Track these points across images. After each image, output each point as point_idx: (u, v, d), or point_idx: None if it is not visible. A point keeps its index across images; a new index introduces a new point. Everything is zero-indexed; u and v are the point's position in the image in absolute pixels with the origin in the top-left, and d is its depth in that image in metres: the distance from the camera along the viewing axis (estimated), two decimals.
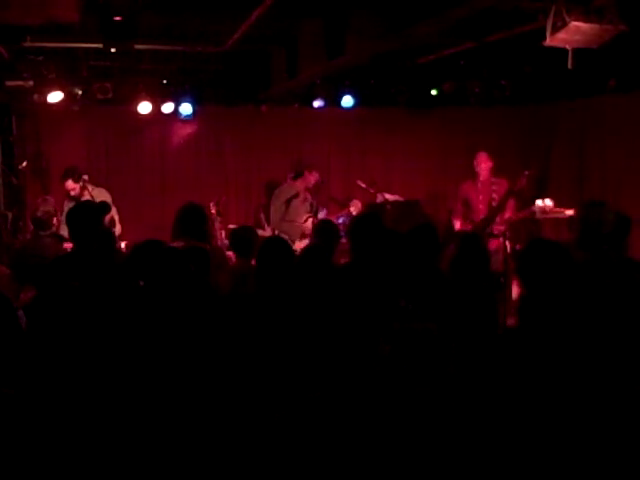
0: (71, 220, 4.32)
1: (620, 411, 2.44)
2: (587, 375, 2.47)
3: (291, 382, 3.01)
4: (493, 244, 6.85)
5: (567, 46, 4.80)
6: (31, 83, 7.54)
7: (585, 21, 4.50)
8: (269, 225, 7.88)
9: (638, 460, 2.36)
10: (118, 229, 7.13)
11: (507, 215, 7.08)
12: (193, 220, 4.96)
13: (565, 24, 4.48)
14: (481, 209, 7.31)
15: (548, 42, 4.67)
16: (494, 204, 7.07)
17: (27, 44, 6.54)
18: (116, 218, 7.23)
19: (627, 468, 2.36)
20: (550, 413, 2.43)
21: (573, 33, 4.55)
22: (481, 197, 7.35)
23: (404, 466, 2.49)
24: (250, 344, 3.23)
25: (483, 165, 7.38)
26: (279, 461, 2.72)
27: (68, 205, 7.04)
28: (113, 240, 4.33)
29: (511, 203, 7.26)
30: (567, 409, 2.43)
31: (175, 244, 4.70)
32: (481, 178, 7.38)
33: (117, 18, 5.46)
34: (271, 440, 2.80)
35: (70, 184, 7.22)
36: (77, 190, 7.21)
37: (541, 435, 2.41)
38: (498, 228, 6.94)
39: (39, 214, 5.90)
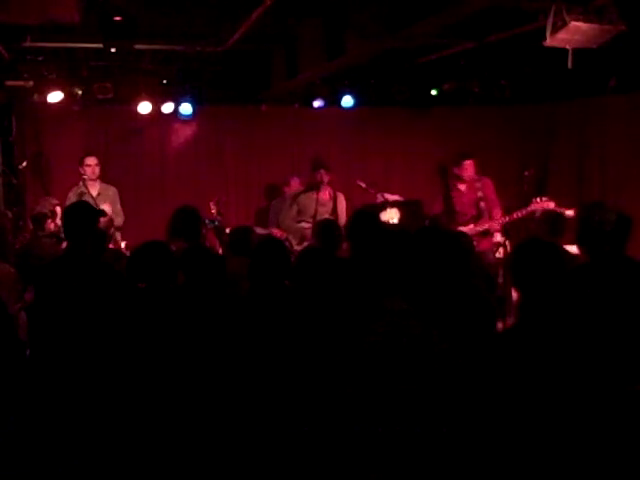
0: (68, 219, 4.29)
1: (617, 411, 2.44)
2: (584, 375, 2.47)
3: (283, 382, 3.01)
4: (486, 243, 6.83)
5: (567, 46, 4.80)
6: (31, 83, 7.54)
7: (585, 21, 4.50)
8: (271, 226, 7.91)
9: (634, 460, 2.36)
10: (119, 221, 7.14)
11: (496, 214, 7.02)
12: (188, 222, 4.99)
13: (565, 24, 4.49)
14: (467, 211, 7.23)
15: (548, 42, 4.67)
16: (482, 204, 6.99)
17: (27, 44, 6.56)
18: (119, 208, 7.27)
19: (622, 467, 2.36)
20: (547, 414, 2.43)
21: (573, 33, 4.56)
22: (465, 199, 7.27)
23: (401, 465, 2.49)
24: (243, 344, 3.23)
25: (470, 172, 7.22)
26: (276, 459, 2.72)
27: (75, 193, 7.06)
28: (104, 242, 4.34)
29: (496, 201, 7.18)
30: (565, 410, 2.43)
31: (173, 245, 4.72)
32: (466, 180, 7.25)
33: (117, 18, 5.47)
34: (266, 439, 2.80)
35: (95, 159, 7.21)
36: (97, 171, 7.21)
37: (539, 436, 2.41)
38: (493, 226, 6.89)
39: (34, 213, 5.95)
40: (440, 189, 7.50)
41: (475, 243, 6.76)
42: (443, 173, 8.60)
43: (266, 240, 4.80)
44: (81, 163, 7.23)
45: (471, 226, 7.00)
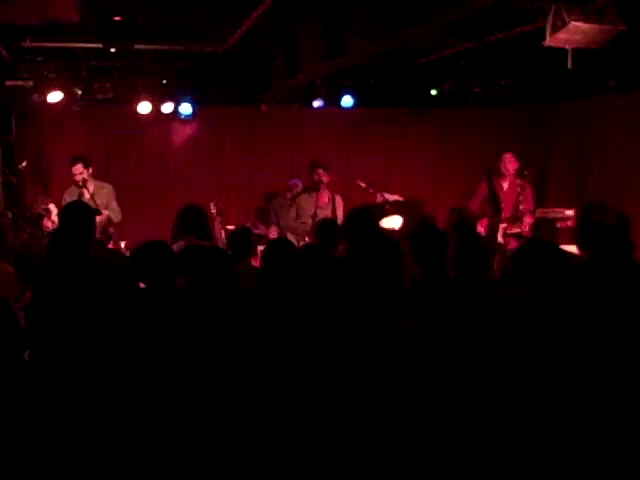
0: (65, 218, 4.27)
1: (617, 412, 2.44)
2: (584, 375, 2.47)
3: (286, 383, 3.01)
4: (514, 243, 6.85)
5: (567, 46, 4.80)
6: (31, 83, 7.54)
7: (585, 21, 4.51)
8: (273, 226, 7.90)
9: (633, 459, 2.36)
10: (117, 217, 7.09)
11: (527, 217, 7.07)
12: (195, 219, 4.98)
13: (565, 24, 4.49)
14: (504, 207, 7.27)
15: (548, 42, 4.68)
16: (521, 206, 7.03)
17: (27, 44, 6.55)
18: (115, 204, 7.19)
19: (622, 466, 2.36)
20: (548, 416, 2.43)
21: (573, 33, 4.56)
22: (506, 197, 7.32)
23: (404, 468, 2.49)
24: (250, 344, 3.23)
25: (510, 166, 7.32)
26: (279, 461, 2.72)
27: (71, 194, 7.00)
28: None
29: (531, 207, 7.21)
30: (566, 410, 2.43)
31: (177, 244, 4.72)
32: (508, 178, 7.34)
33: (117, 18, 5.47)
34: (269, 439, 2.80)
35: (79, 168, 7.00)
36: (84, 175, 7.01)
37: (541, 438, 2.41)
38: (524, 229, 6.95)
39: (28, 215, 5.95)
40: (479, 189, 7.56)
41: (507, 242, 6.86)
42: (488, 175, 8.66)
43: (275, 241, 4.81)
44: (69, 170, 7.05)
45: (504, 225, 7.09)
